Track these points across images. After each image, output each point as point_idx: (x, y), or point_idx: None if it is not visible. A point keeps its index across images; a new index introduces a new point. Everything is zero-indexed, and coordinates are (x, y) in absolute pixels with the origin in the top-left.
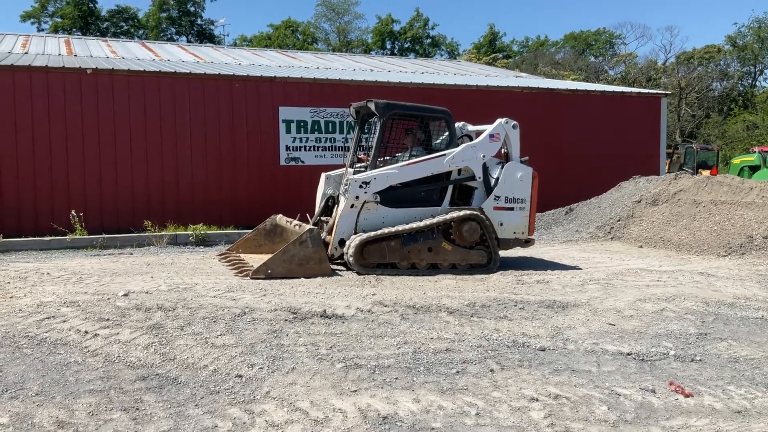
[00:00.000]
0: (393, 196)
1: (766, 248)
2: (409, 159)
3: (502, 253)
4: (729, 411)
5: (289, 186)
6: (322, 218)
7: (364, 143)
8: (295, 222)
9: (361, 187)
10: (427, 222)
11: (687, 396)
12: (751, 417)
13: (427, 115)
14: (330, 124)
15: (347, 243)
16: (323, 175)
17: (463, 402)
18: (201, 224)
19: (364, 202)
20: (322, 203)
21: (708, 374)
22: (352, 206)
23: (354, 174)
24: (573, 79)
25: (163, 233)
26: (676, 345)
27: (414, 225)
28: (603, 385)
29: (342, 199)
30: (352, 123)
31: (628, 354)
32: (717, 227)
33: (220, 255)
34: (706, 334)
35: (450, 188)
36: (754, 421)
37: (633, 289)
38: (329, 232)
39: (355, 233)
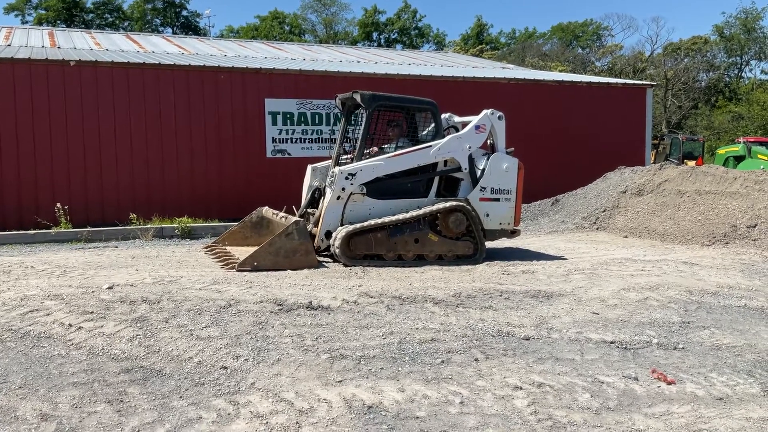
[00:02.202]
0: (379, 188)
1: (749, 237)
2: (395, 150)
3: (489, 244)
4: (711, 398)
5: (275, 178)
6: (309, 210)
7: (350, 135)
8: (282, 214)
9: (347, 178)
10: (414, 213)
11: (669, 383)
12: (732, 404)
13: (413, 106)
14: (316, 116)
15: (333, 235)
16: (309, 167)
17: (447, 391)
18: (187, 217)
19: (351, 193)
20: (309, 195)
21: (690, 362)
22: (339, 198)
23: (340, 166)
24: (560, 71)
25: (148, 226)
26: (659, 333)
27: (400, 216)
28: (586, 373)
29: (328, 190)
30: (339, 115)
31: (612, 342)
32: (701, 217)
33: (206, 248)
34: (689, 323)
35: (436, 180)
36: (735, 407)
37: (617, 278)
38: (316, 224)
39: (342, 225)
